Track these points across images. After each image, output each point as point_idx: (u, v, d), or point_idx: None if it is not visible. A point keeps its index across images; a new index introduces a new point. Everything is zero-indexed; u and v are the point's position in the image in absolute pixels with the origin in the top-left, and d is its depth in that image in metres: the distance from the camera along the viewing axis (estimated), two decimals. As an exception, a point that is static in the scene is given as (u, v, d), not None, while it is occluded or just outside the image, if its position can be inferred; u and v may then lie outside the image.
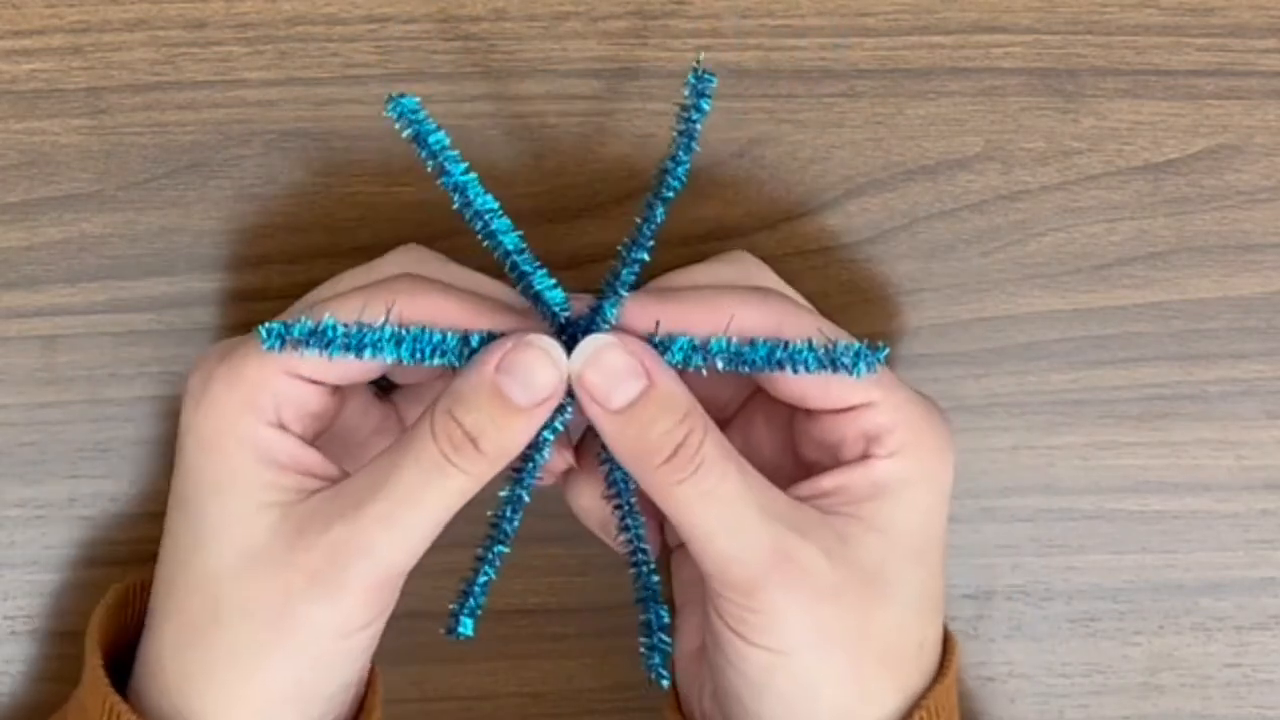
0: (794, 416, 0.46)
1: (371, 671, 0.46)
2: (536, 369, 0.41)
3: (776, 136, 0.50)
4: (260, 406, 0.42)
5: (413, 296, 0.43)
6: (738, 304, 0.43)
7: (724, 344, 0.43)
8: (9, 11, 0.49)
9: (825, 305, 0.50)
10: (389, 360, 0.42)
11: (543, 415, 0.42)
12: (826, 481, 0.44)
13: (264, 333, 0.42)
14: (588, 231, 0.50)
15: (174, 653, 0.43)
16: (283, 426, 0.43)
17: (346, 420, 0.47)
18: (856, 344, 0.43)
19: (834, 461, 0.44)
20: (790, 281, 0.50)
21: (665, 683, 0.45)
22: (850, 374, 0.43)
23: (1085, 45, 0.50)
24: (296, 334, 0.42)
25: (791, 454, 0.46)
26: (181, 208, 0.50)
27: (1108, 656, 0.52)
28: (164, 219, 0.50)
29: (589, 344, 0.42)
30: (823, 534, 0.43)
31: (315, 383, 0.43)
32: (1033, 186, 0.51)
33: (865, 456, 0.44)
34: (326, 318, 0.42)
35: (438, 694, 0.52)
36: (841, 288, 0.51)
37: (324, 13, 0.49)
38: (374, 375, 0.44)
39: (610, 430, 0.42)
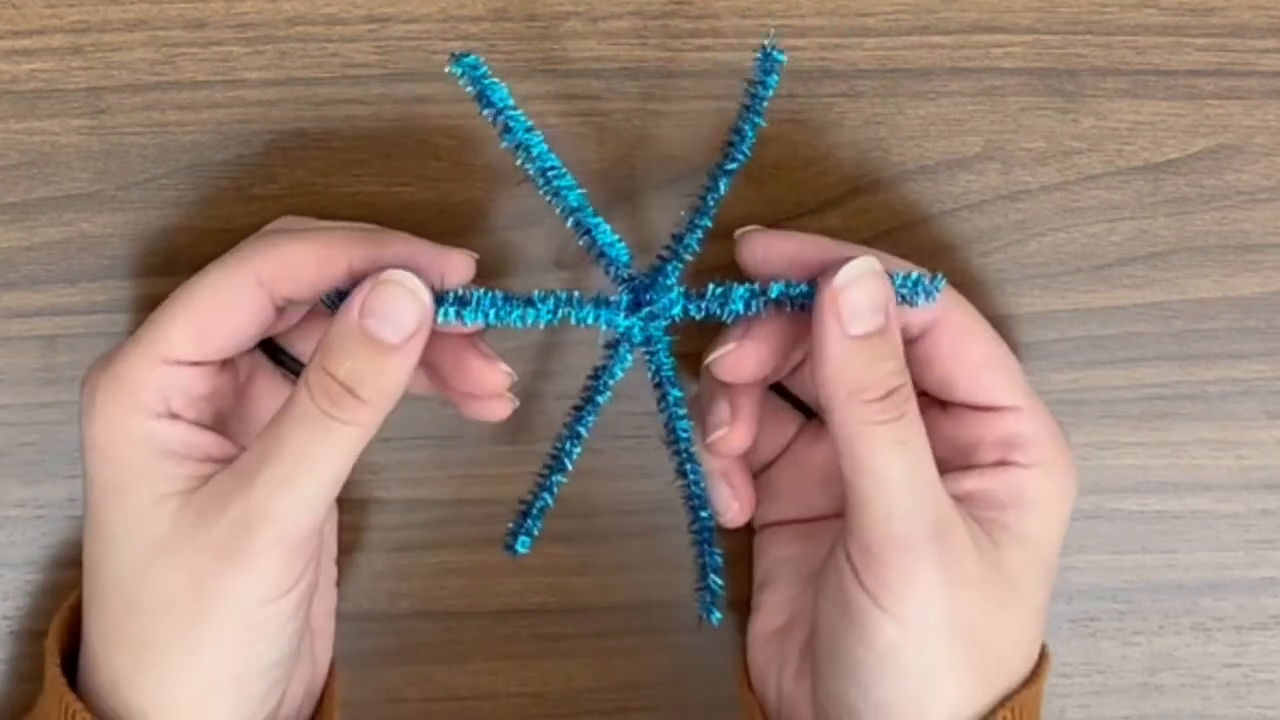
0: (927, 413, 0.45)
1: (330, 673, 0.47)
2: (400, 304, 0.41)
3: (776, 136, 0.50)
4: (144, 403, 0.42)
5: (269, 249, 0.43)
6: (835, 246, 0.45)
7: (782, 287, 0.43)
8: (9, 11, 0.49)
9: (825, 305, 0.50)
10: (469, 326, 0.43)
11: (416, 348, 0.41)
12: (969, 482, 0.44)
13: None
14: (588, 231, 0.50)
15: (104, 655, 0.43)
16: (174, 415, 0.43)
17: (257, 405, 0.47)
18: (915, 274, 0.43)
19: (964, 463, 0.45)
20: (790, 281, 0.50)
21: (716, 620, 0.46)
22: (909, 304, 0.43)
23: (1085, 45, 0.50)
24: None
25: None
26: (181, 208, 0.50)
27: (1108, 656, 0.52)
28: (164, 219, 0.50)
29: (861, 263, 0.42)
30: (972, 526, 0.43)
31: (196, 364, 0.43)
32: (1033, 186, 0.51)
33: (1003, 463, 0.44)
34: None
35: (438, 694, 0.52)
36: (841, 288, 0.50)
37: (324, 13, 0.49)
38: (250, 344, 0.44)
39: (837, 352, 0.42)
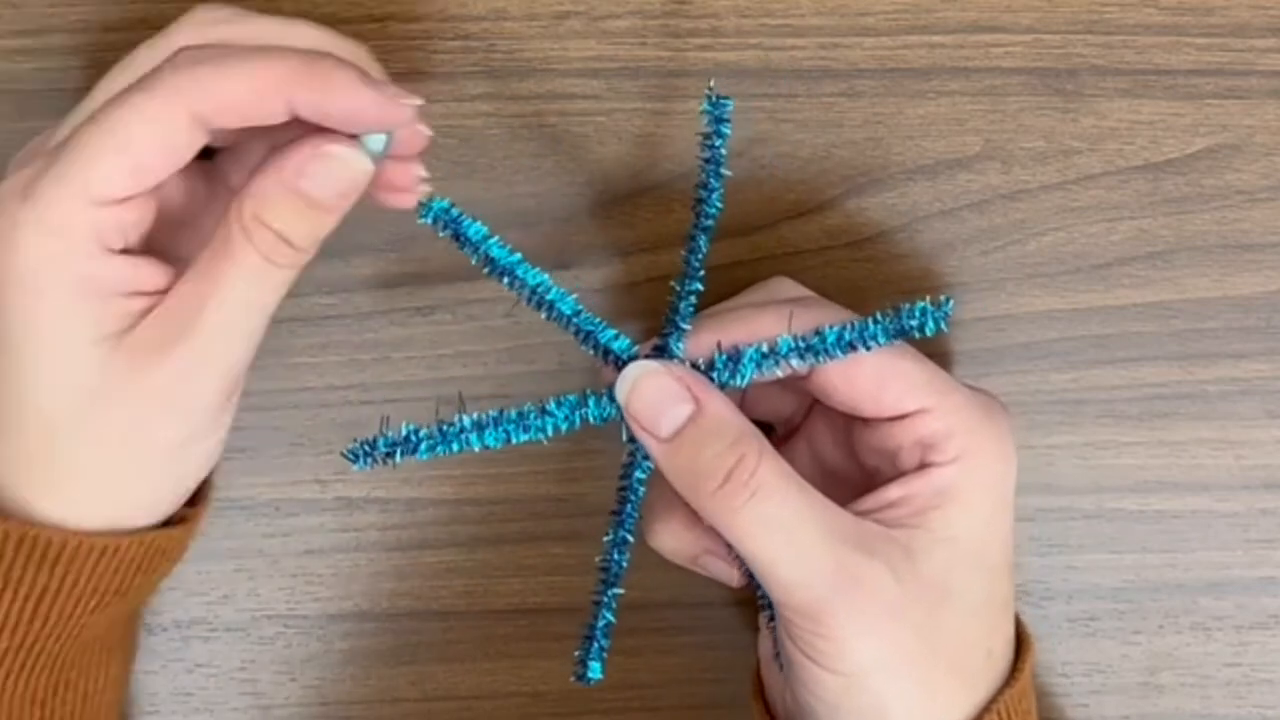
0: (852, 426, 0.46)
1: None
2: (339, 173, 0.41)
3: (776, 136, 0.50)
4: (74, 247, 0.41)
5: (204, 84, 0.41)
6: (788, 313, 0.44)
7: (791, 342, 0.43)
8: (9, 11, 0.49)
9: (825, 305, 0.50)
10: (476, 449, 0.43)
11: (349, 204, 0.42)
12: (892, 492, 0.44)
13: (350, 456, 0.42)
14: (587, 231, 0.50)
15: (12, 479, 0.42)
16: (105, 251, 0.41)
17: (172, 202, 0.45)
18: (921, 303, 0.42)
19: (894, 469, 0.44)
20: (790, 281, 0.50)
21: None
22: (922, 334, 0.42)
23: (1085, 45, 0.50)
24: (383, 449, 0.42)
25: (856, 461, 0.46)
26: (181, 207, 0.50)
27: (1107, 656, 0.52)
28: (164, 219, 0.50)
29: (631, 371, 0.42)
30: (888, 550, 0.42)
31: (128, 198, 0.41)
32: (1033, 186, 0.51)
33: (925, 464, 0.44)
34: (405, 425, 0.42)
35: (438, 694, 0.52)
36: (841, 288, 0.50)
37: (324, 13, 0.49)
38: (180, 165, 0.42)
39: (661, 458, 0.42)
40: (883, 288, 0.51)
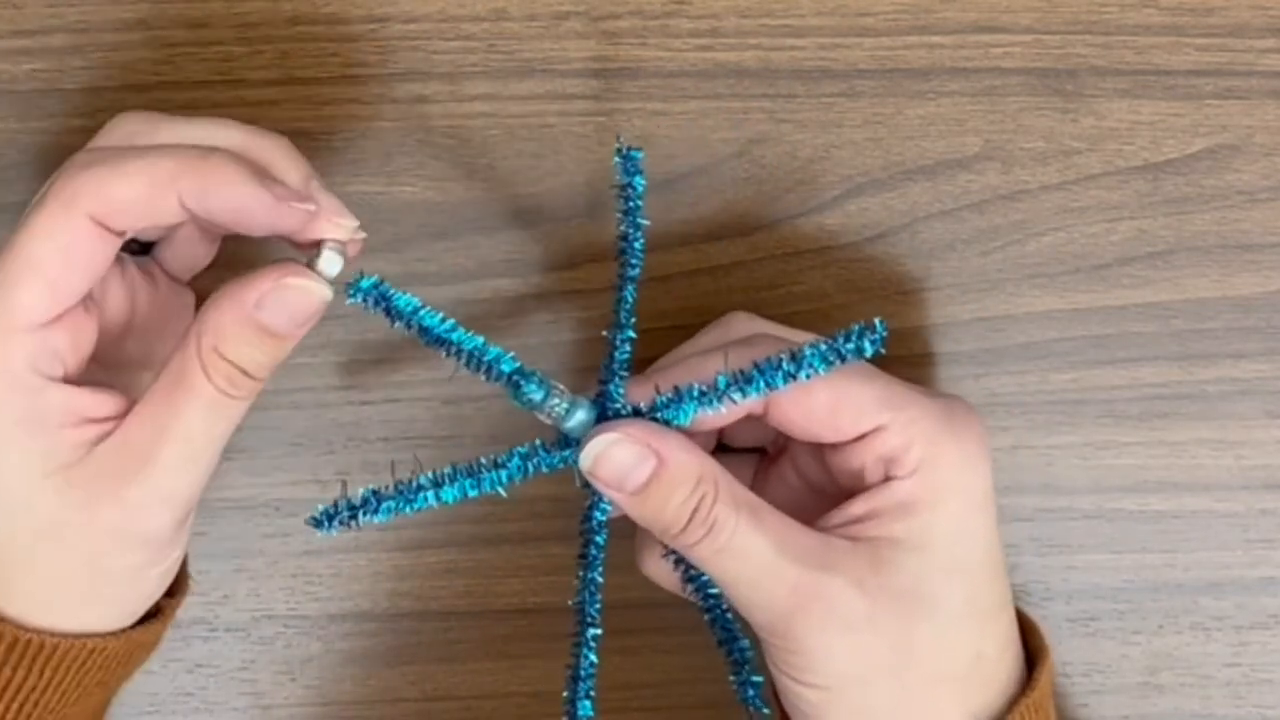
0: (817, 452, 0.46)
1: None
2: (294, 303, 0.41)
3: (776, 136, 0.50)
4: (12, 380, 0.41)
5: (96, 189, 0.40)
6: (725, 355, 0.44)
7: (728, 378, 0.43)
8: (9, 11, 0.49)
9: (825, 305, 0.50)
10: (435, 505, 0.43)
11: (307, 329, 0.42)
12: (856, 507, 0.44)
13: (314, 523, 0.43)
14: (587, 231, 0.50)
15: None
16: (45, 381, 0.41)
17: (116, 313, 0.45)
18: (856, 326, 0.42)
19: (861, 486, 0.44)
20: (790, 281, 0.50)
21: (766, 712, 0.45)
22: (859, 357, 0.42)
23: (1085, 45, 0.50)
24: (346, 514, 0.43)
25: (834, 479, 0.47)
26: (181, 208, 0.50)
27: (1107, 656, 0.52)
28: (164, 219, 0.50)
29: (596, 443, 0.42)
30: (853, 563, 0.43)
31: (57, 319, 0.41)
32: (1032, 186, 0.51)
33: (887, 479, 0.44)
34: (363, 489, 0.43)
35: (438, 694, 0.52)
36: (841, 288, 0.51)
37: (324, 13, 0.49)
38: (104, 270, 0.42)
39: (629, 509, 0.43)
40: (883, 288, 0.51)
